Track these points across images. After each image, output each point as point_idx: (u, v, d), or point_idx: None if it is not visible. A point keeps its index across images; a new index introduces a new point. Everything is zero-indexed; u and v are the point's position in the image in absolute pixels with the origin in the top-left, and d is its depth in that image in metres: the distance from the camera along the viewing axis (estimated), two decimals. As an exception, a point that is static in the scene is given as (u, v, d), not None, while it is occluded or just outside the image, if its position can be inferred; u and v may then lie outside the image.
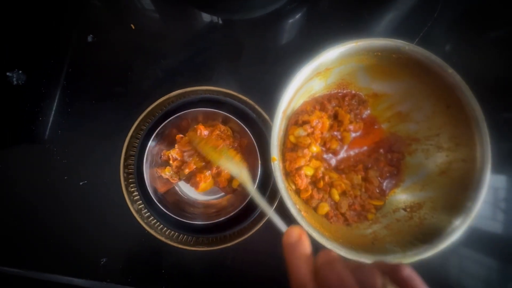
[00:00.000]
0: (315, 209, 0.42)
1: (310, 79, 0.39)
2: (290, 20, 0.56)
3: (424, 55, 0.37)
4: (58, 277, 0.46)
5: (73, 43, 0.52)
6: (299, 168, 0.40)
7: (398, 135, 0.45)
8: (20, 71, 0.51)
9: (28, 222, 0.47)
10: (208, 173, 0.44)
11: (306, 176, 0.41)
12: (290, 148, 0.42)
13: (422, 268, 0.43)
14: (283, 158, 0.42)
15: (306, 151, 0.40)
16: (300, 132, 0.41)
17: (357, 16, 0.54)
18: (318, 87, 0.43)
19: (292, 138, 0.41)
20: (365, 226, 0.41)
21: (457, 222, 0.35)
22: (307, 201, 0.42)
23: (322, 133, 0.42)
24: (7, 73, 0.50)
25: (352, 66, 0.41)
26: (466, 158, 0.37)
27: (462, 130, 0.37)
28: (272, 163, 0.36)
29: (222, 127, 0.45)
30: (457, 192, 0.37)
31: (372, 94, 0.44)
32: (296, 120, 0.42)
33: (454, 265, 0.45)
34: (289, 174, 0.41)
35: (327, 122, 0.42)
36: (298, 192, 0.42)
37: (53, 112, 0.50)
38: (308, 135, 0.41)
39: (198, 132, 0.44)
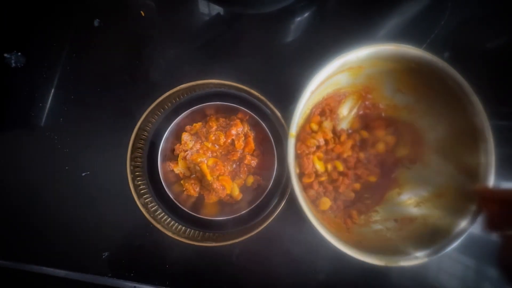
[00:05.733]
0: (316, 204, 0.42)
1: (341, 72, 0.39)
2: (298, 18, 0.55)
3: (458, 82, 0.36)
4: (55, 271, 0.44)
5: (78, 26, 0.50)
6: (309, 153, 0.40)
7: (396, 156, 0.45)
8: (19, 53, 0.48)
9: (26, 213, 0.45)
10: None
11: (315, 168, 0.41)
12: (308, 132, 0.42)
13: (406, 271, 0.45)
14: (298, 138, 0.41)
15: (321, 140, 0.40)
16: (327, 124, 0.41)
17: (366, 17, 0.55)
18: (345, 83, 0.42)
19: (313, 126, 0.41)
20: (379, 222, 0.41)
21: (463, 224, 0.36)
22: (307, 191, 0.42)
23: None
24: (5, 55, 0.47)
25: (384, 72, 0.40)
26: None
27: (469, 161, 0.37)
28: (288, 139, 0.35)
29: (239, 125, 0.44)
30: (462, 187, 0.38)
31: (392, 105, 0.44)
32: (323, 110, 0.42)
33: (433, 263, 0.47)
34: (298, 156, 0.41)
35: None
36: (301, 176, 0.41)
37: (54, 98, 0.48)
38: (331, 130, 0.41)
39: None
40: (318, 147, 0.42)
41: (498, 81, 0.52)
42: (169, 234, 0.42)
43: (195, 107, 0.42)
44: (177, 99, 0.44)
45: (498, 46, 0.56)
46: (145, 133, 0.44)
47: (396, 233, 0.39)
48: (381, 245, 0.37)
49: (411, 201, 0.42)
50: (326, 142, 0.43)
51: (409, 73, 0.39)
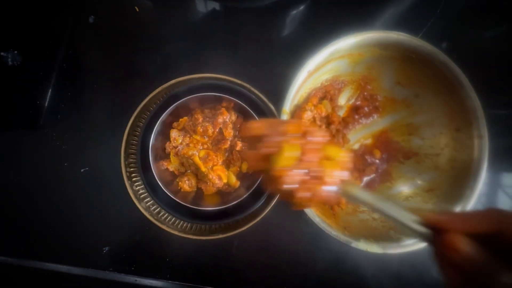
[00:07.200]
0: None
1: (341, 57, 0.39)
2: (294, 11, 0.55)
3: (455, 73, 0.36)
4: (57, 266, 0.45)
5: (73, 24, 0.50)
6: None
7: (400, 145, 0.45)
8: (16, 51, 0.48)
9: (26, 210, 0.46)
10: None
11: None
12: (304, 108, 0.42)
13: (406, 258, 0.46)
14: (293, 115, 0.42)
15: (316, 114, 0.41)
16: (327, 106, 0.41)
17: (362, 8, 0.54)
18: (344, 70, 0.42)
19: (310, 105, 0.41)
20: (366, 212, 0.41)
21: (457, 209, 0.36)
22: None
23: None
24: (1, 53, 0.47)
25: (383, 62, 0.40)
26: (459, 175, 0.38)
27: (463, 156, 0.38)
28: (281, 115, 0.36)
29: (226, 113, 0.44)
30: (455, 181, 0.38)
31: (391, 98, 0.44)
32: (325, 95, 0.42)
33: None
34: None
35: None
36: None
37: (51, 96, 0.48)
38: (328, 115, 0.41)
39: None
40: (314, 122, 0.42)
41: (496, 70, 0.52)
42: (175, 232, 0.42)
43: (177, 102, 0.42)
44: (161, 99, 0.44)
45: (495, 35, 0.55)
46: (135, 138, 0.44)
47: (382, 223, 0.39)
48: (366, 233, 0.37)
49: (401, 195, 0.43)
50: (321, 118, 0.43)
51: (408, 65, 0.39)
